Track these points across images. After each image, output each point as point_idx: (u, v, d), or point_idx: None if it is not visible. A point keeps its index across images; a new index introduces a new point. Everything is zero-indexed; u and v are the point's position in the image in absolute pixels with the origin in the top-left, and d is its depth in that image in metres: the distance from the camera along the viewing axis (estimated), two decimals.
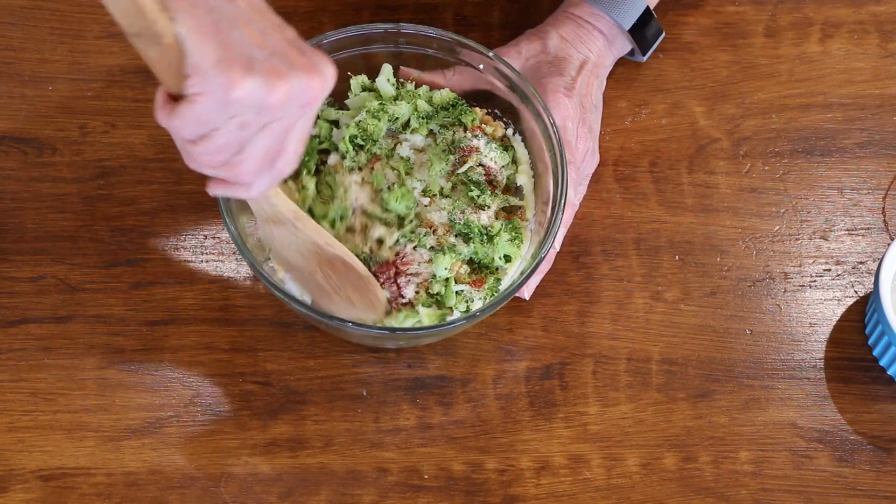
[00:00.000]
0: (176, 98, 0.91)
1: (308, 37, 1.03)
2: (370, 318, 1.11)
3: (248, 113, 0.91)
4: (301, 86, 0.92)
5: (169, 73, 0.90)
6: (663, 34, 1.25)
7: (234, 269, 1.19)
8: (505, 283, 1.13)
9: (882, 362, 1.16)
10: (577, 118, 1.18)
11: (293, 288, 1.12)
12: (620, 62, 1.26)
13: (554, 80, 1.19)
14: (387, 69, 1.18)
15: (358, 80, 1.18)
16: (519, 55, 1.21)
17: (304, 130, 0.96)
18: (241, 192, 0.99)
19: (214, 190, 0.99)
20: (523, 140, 1.18)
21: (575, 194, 1.19)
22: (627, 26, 1.22)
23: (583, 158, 1.19)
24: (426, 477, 1.13)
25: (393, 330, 1.11)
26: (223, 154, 0.94)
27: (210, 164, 0.95)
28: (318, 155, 1.16)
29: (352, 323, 1.08)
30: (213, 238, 1.20)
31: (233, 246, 1.19)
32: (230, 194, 0.99)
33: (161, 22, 0.87)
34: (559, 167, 1.12)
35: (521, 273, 1.11)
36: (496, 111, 1.19)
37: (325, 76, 0.93)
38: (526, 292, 1.17)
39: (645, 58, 1.26)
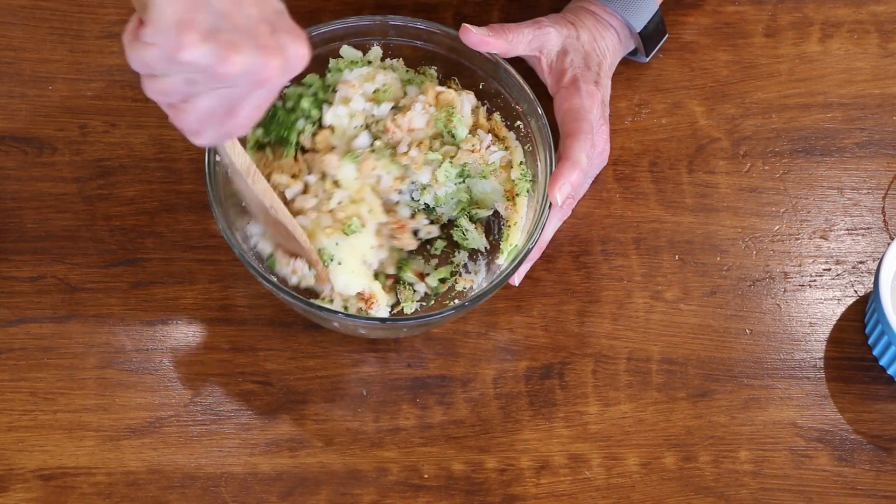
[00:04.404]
0: None
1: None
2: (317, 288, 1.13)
3: (195, 74, 0.92)
4: (256, 65, 0.91)
5: (141, 9, 0.92)
6: (667, 35, 1.25)
7: (233, 269, 1.19)
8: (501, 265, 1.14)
9: (882, 362, 1.16)
10: (600, 115, 1.18)
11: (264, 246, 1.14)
12: (621, 62, 1.26)
13: (587, 74, 1.19)
14: (376, 51, 1.19)
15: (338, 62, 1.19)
16: (560, 35, 1.20)
17: (261, 103, 0.96)
18: (189, 136, 0.99)
19: (171, 120, 1.00)
20: (517, 128, 1.18)
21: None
22: (638, 28, 1.21)
23: (599, 157, 1.19)
24: (426, 476, 1.13)
25: (383, 321, 1.11)
26: (167, 97, 0.95)
27: (157, 100, 0.96)
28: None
29: (341, 313, 1.09)
30: (214, 238, 1.20)
31: None
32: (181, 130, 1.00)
33: None
34: (548, 161, 1.13)
35: (511, 262, 1.11)
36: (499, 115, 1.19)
37: (288, 58, 0.93)
38: (516, 278, 1.17)
39: (647, 59, 1.26)
